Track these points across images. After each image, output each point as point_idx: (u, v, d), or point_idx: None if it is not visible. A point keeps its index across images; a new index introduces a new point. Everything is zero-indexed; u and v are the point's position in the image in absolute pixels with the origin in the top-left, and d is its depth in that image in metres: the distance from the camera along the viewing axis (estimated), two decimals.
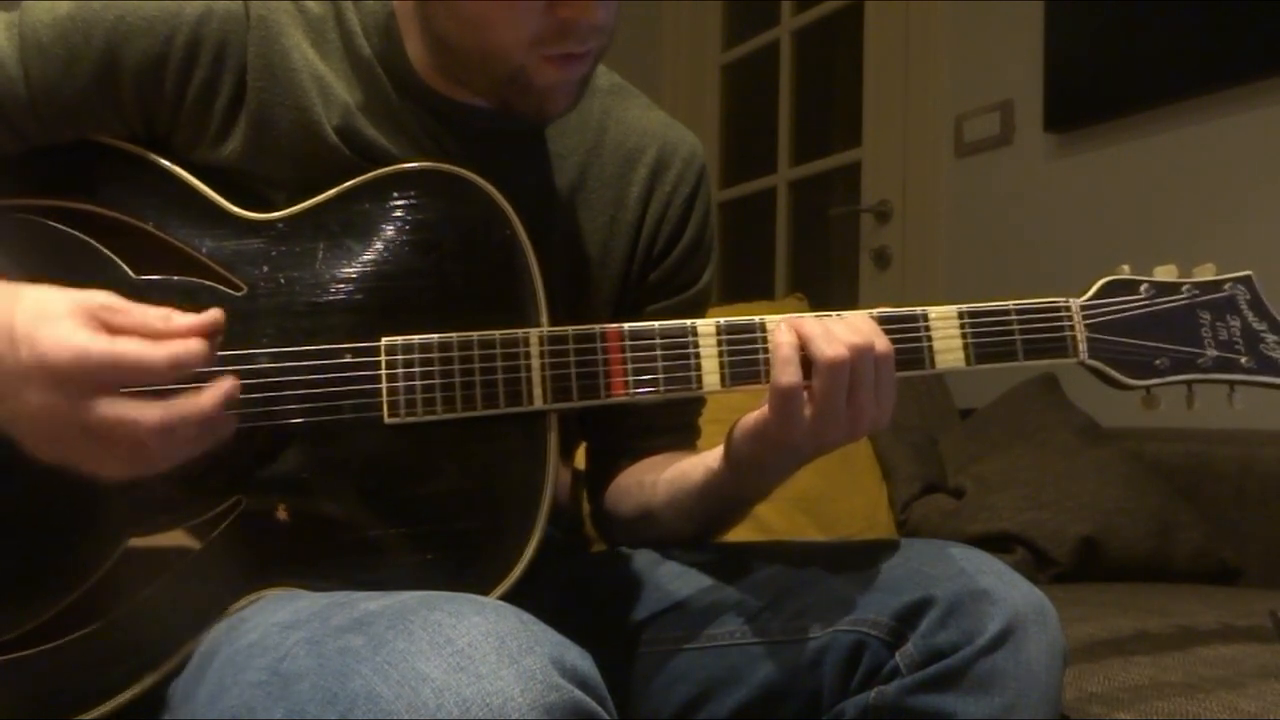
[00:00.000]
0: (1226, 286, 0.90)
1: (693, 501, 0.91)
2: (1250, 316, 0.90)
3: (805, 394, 0.78)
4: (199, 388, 0.69)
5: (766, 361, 0.82)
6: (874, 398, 0.79)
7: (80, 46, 0.81)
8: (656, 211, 0.97)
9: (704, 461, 0.89)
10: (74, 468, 0.70)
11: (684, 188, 0.98)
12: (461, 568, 0.77)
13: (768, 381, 0.82)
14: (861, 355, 0.78)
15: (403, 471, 0.78)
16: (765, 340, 0.82)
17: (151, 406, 0.68)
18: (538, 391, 0.80)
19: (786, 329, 0.80)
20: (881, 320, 0.83)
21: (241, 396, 0.77)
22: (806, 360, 0.78)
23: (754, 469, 0.85)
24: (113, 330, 0.68)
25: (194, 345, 0.69)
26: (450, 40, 0.81)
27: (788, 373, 0.78)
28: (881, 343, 0.79)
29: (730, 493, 0.89)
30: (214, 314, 0.71)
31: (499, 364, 0.79)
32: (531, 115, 0.85)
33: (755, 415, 0.81)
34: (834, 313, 0.82)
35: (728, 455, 0.86)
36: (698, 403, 1.02)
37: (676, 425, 1.01)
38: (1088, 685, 1.04)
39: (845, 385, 0.78)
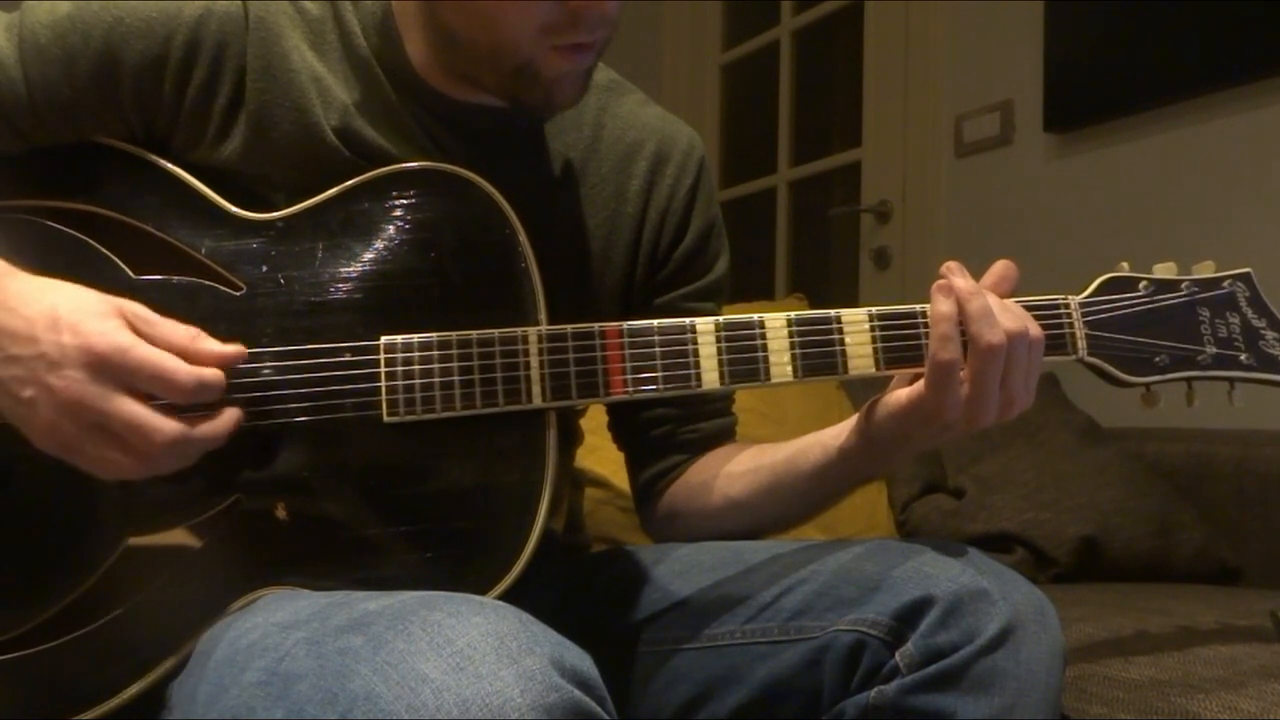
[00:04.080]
0: (1226, 284, 0.90)
1: (807, 483, 0.91)
2: (1250, 314, 0.90)
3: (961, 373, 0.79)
4: (210, 413, 0.73)
5: (765, 360, 0.82)
6: (1024, 383, 0.80)
7: (79, 48, 0.81)
8: (659, 205, 0.97)
9: (820, 442, 0.90)
10: (72, 460, 0.72)
11: (685, 179, 0.98)
12: (461, 566, 0.77)
13: (768, 380, 0.82)
14: (1017, 341, 0.78)
15: (402, 470, 0.78)
16: (764, 338, 0.82)
17: (170, 421, 0.71)
18: (536, 390, 0.80)
19: (947, 299, 0.79)
20: (880, 319, 0.83)
21: (241, 396, 0.77)
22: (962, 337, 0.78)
23: (898, 444, 0.85)
24: (144, 339, 0.72)
25: (218, 377, 0.73)
26: (458, 34, 0.81)
27: (947, 349, 0.78)
28: (1035, 329, 0.80)
29: (859, 469, 0.89)
30: (238, 349, 0.75)
31: (498, 362, 0.79)
32: (539, 107, 0.85)
33: (907, 391, 0.82)
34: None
35: (865, 432, 0.86)
36: None
37: (722, 410, 1.01)
38: (1088, 685, 1.04)
39: (1000, 370, 0.78)
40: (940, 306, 0.79)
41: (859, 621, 0.79)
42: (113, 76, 0.81)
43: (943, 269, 0.81)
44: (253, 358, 0.78)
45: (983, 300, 0.78)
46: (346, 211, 0.82)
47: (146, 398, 0.71)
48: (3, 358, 0.71)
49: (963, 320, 0.78)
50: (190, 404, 0.72)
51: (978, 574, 0.78)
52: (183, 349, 0.72)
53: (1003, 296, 0.82)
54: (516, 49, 0.79)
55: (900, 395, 0.82)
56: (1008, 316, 0.79)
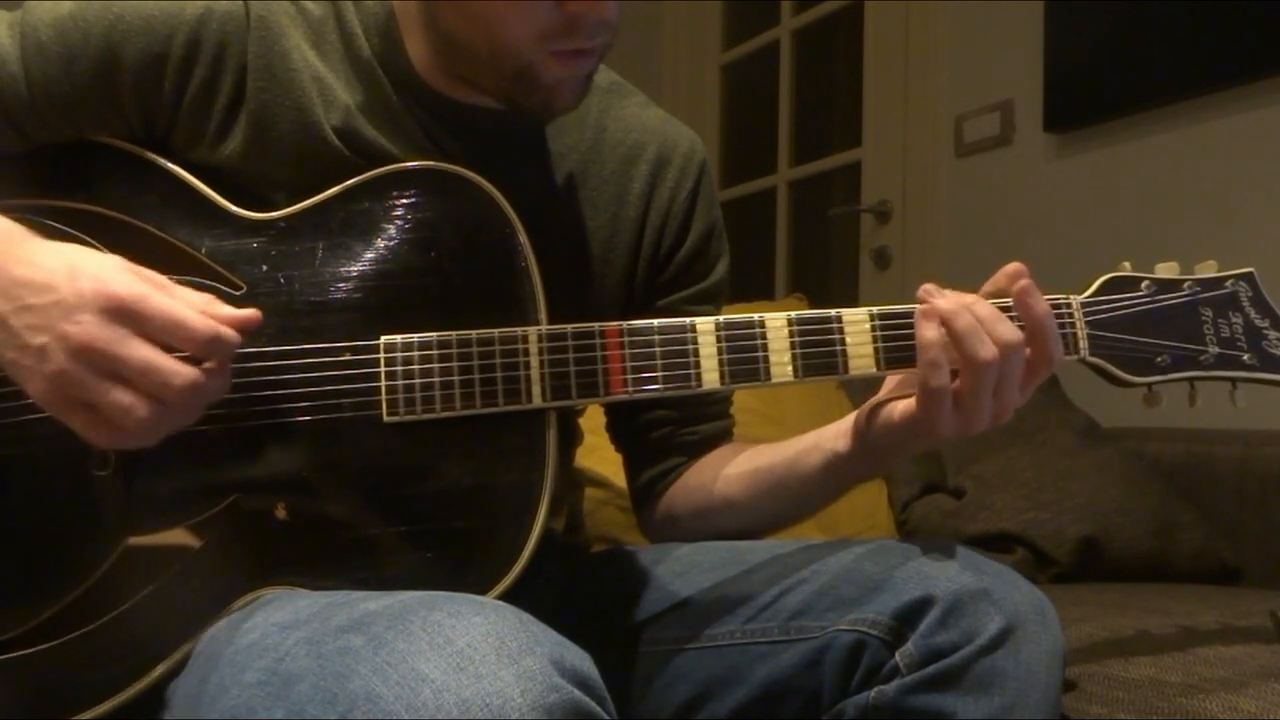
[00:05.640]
0: (1228, 283, 0.90)
1: (807, 486, 0.91)
2: (1252, 313, 0.90)
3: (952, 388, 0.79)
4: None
5: (766, 360, 0.82)
6: (1017, 390, 0.80)
7: (79, 45, 0.81)
8: (660, 209, 0.97)
9: (819, 446, 0.90)
10: (74, 421, 0.70)
11: (686, 182, 0.98)
12: (461, 566, 0.77)
13: (768, 380, 0.82)
14: (1011, 353, 0.78)
15: (401, 470, 0.78)
16: (764, 338, 0.82)
17: (186, 366, 0.69)
18: (536, 390, 0.80)
19: (931, 323, 0.79)
20: (882, 318, 0.83)
21: (241, 395, 0.77)
22: (951, 349, 0.78)
23: (894, 450, 0.86)
24: None
25: (233, 334, 0.71)
26: (457, 37, 0.81)
27: (936, 376, 0.78)
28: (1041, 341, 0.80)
29: (858, 472, 0.90)
30: (252, 313, 0.73)
31: (498, 362, 0.79)
32: (538, 111, 0.85)
33: (900, 408, 0.82)
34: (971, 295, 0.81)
35: (861, 438, 0.87)
36: None
37: (721, 412, 1.01)
38: (1088, 685, 1.04)
39: (993, 383, 0.78)
40: (926, 332, 0.79)
41: (859, 621, 0.79)
42: (113, 74, 0.81)
43: (920, 293, 0.81)
44: (253, 357, 0.78)
45: (969, 318, 0.78)
46: (347, 211, 0.82)
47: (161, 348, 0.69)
48: (18, 307, 0.69)
49: (952, 338, 0.78)
50: (203, 356, 0.70)
51: (978, 574, 0.78)
52: (198, 308, 0.71)
53: (1013, 296, 0.82)
54: (516, 53, 0.79)
55: (893, 411, 0.83)
56: (1002, 329, 0.79)
